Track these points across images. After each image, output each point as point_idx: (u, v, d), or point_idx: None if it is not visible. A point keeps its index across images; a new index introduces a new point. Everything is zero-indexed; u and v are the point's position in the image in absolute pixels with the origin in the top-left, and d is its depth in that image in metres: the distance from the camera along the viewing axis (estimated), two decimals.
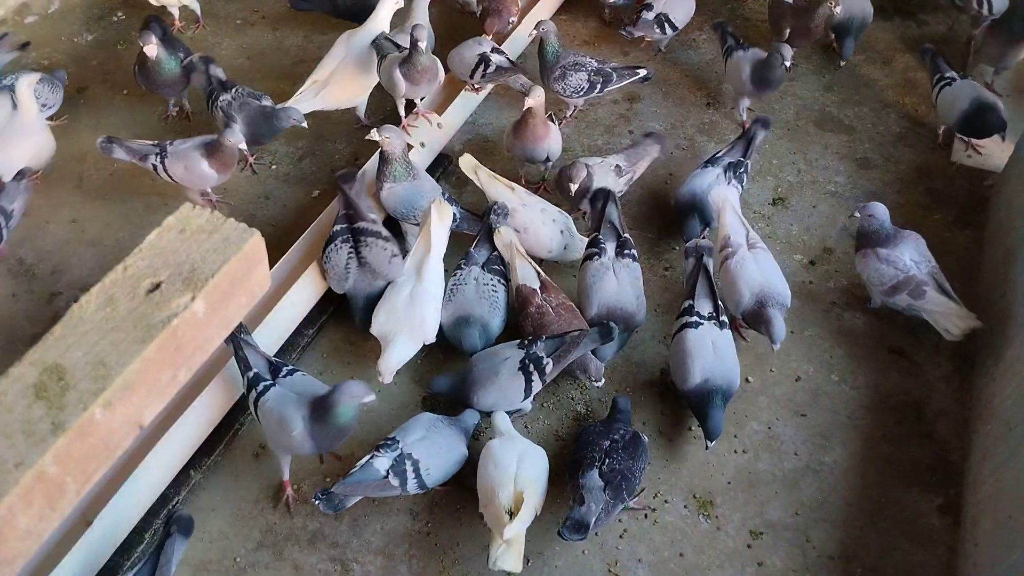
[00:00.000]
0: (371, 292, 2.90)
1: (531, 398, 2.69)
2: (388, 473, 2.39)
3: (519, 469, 2.40)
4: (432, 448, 2.45)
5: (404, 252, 2.98)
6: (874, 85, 3.99)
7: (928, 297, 2.83)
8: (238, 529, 2.54)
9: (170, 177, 3.20)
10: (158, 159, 3.17)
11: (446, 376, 2.75)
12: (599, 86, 3.57)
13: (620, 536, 2.54)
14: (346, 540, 2.52)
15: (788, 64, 3.49)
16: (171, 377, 1.05)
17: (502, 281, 2.95)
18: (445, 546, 2.51)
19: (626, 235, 2.99)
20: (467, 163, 3.25)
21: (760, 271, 2.83)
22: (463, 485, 2.59)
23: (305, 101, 3.43)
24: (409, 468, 2.40)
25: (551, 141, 3.30)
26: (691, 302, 2.77)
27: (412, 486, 2.42)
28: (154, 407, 1.05)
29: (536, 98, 3.18)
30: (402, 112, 3.42)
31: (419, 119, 3.47)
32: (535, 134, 3.25)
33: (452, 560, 2.48)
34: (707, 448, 2.63)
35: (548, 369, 2.60)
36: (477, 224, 3.10)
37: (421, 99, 3.48)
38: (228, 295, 1.10)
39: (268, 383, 2.45)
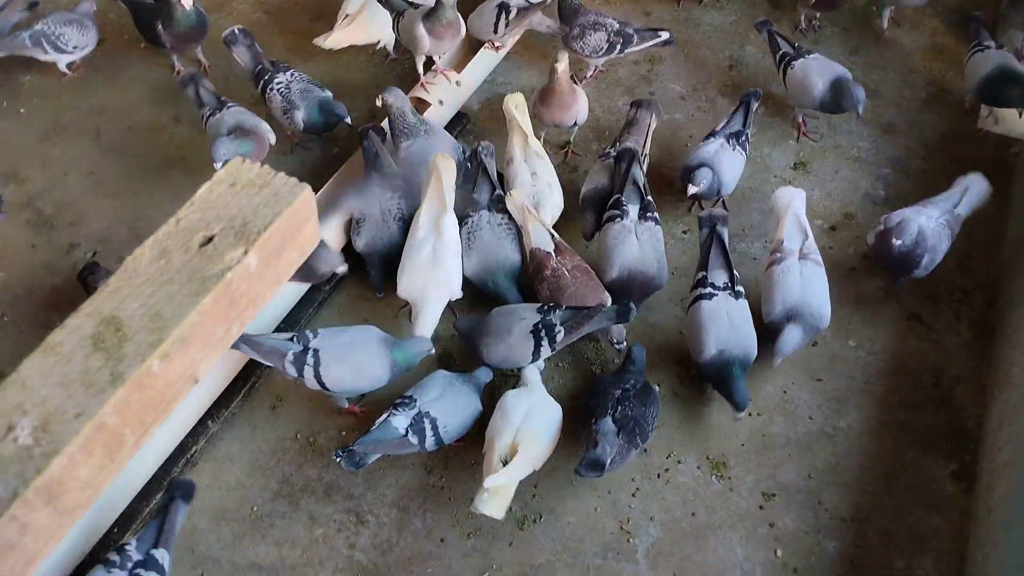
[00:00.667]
0: (387, 253, 2.90)
1: (540, 361, 2.69)
2: (407, 432, 2.41)
3: (524, 422, 2.42)
4: (448, 406, 2.46)
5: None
6: (901, 49, 3.90)
7: None
8: (255, 479, 2.57)
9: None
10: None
11: (468, 319, 2.76)
12: (618, 47, 3.50)
13: (632, 495, 2.55)
14: (361, 493, 2.55)
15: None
16: (225, 331, 1.05)
17: (512, 218, 2.97)
18: (459, 500, 2.53)
19: (649, 198, 2.97)
20: (516, 99, 3.20)
21: (801, 285, 2.71)
22: (477, 441, 2.60)
23: (338, 32, 3.47)
24: (427, 426, 2.41)
25: (579, 107, 3.27)
26: (704, 273, 2.74)
27: (430, 443, 2.44)
28: (209, 361, 1.04)
29: (564, 63, 3.13)
30: (421, 69, 3.39)
31: (438, 76, 3.43)
32: (563, 100, 3.21)
33: (466, 514, 2.51)
34: (736, 419, 2.64)
35: (559, 338, 2.58)
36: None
37: (440, 56, 3.45)
38: (280, 250, 1.09)
39: None
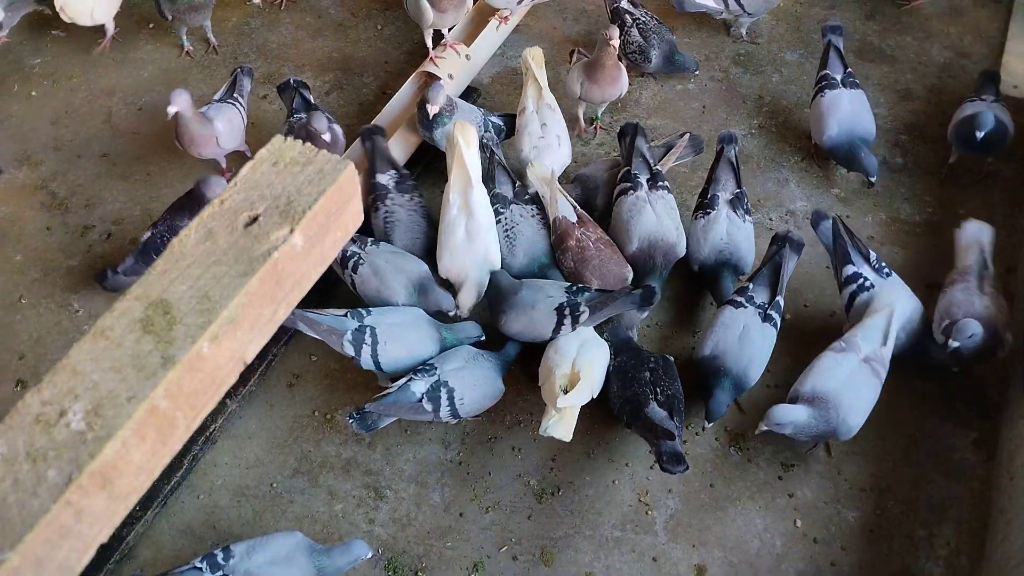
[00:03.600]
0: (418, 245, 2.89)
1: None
2: (423, 397, 2.41)
3: (579, 353, 2.48)
4: (469, 379, 2.46)
5: None
6: (918, 14, 3.84)
7: None
8: (274, 456, 2.58)
9: None
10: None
11: (505, 274, 2.72)
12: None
13: (651, 467, 2.55)
14: (379, 468, 2.56)
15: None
16: (272, 312, 1.04)
17: (540, 207, 2.94)
18: (477, 475, 2.54)
19: (658, 167, 2.94)
20: (534, 53, 3.18)
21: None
22: (495, 417, 2.61)
23: None
24: (444, 395, 2.42)
25: (624, 79, 3.23)
26: (751, 285, 2.66)
27: (445, 413, 2.44)
28: (257, 343, 1.03)
29: (616, 38, 3.08)
30: (429, 43, 3.36)
31: (447, 50, 3.40)
32: (611, 75, 3.16)
33: (484, 488, 2.51)
34: (703, 428, 2.59)
35: (582, 319, 2.55)
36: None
37: (449, 30, 3.42)
38: (324, 228, 1.07)
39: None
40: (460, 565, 2.40)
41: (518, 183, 2.99)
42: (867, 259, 2.69)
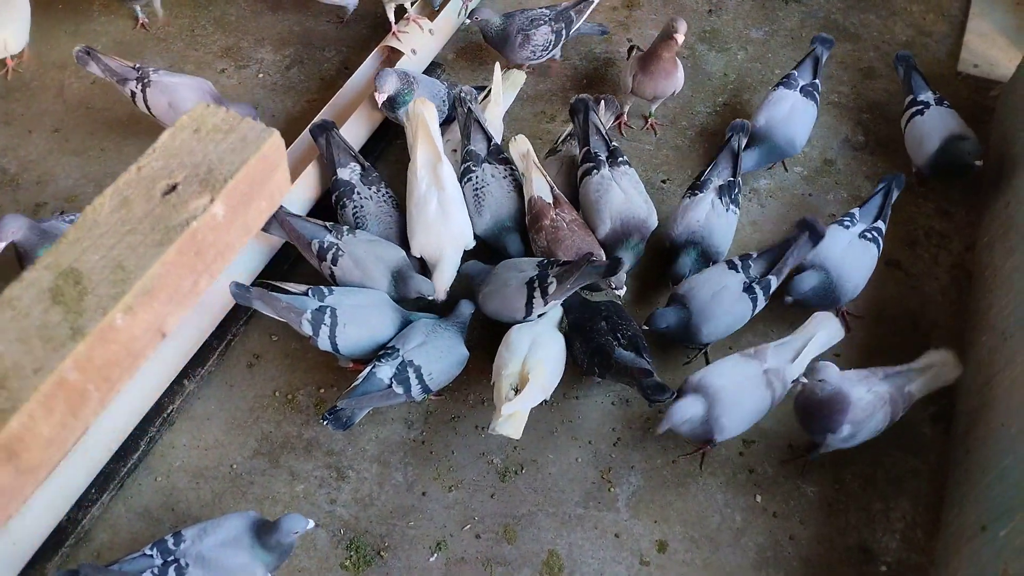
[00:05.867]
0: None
1: (533, 316, 2.61)
2: (391, 382, 2.39)
3: (530, 352, 2.43)
4: (433, 352, 2.44)
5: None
6: None
7: None
8: (233, 437, 2.55)
9: (148, 110, 3.03)
10: (138, 86, 3.02)
11: (478, 263, 2.72)
12: (564, 33, 3.34)
13: (614, 444, 2.56)
14: (341, 448, 2.53)
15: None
16: (192, 283, 1.01)
17: (513, 168, 2.91)
18: (440, 454, 2.53)
19: (615, 143, 2.92)
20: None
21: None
22: (458, 396, 2.59)
23: None
24: (412, 375, 2.40)
25: (679, 78, 3.15)
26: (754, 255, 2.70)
27: (416, 391, 2.42)
28: (176, 315, 1.00)
29: (683, 32, 2.98)
30: (392, 17, 3.29)
31: (410, 25, 3.35)
32: (666, 69, 3.08)
33: (447, 467, 2.51)
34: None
35: (550, 290, 2.52)
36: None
37: (412, 4, 3.36)
38: (248, 198, 1.04)
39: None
40: (423, 544, 2.39)
41: (493, 140, 2.94)
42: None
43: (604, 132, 2.93)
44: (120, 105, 3.38)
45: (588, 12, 3.41)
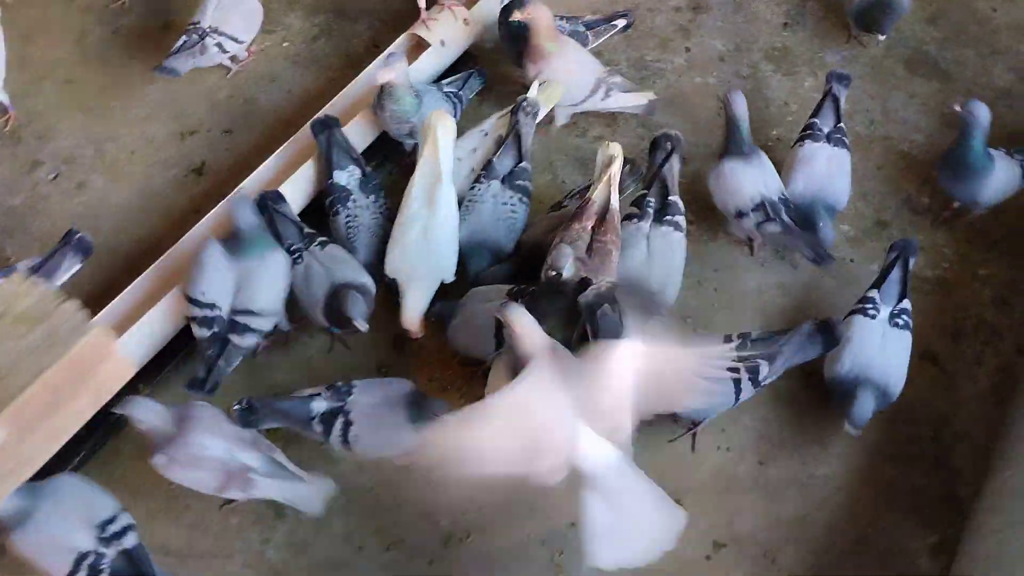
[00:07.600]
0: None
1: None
2: (316, 417, 2.25)
3: None
4: (374, 423, 2.26)
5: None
6: (988, 23, 3.36)
7: None
8: None
9: None
10: None
11: (447, 303, 2.52)
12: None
13: (572, 524, 2.36)
14: None
15: None
16: None
17: (523, 199, 2.66)
18: (386, 506, 2.38)
19: (674, 197, 2.58)
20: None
21: None
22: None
23: None
24: (338, 425, 2.25)
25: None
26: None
27: (335, 442, 2.28)
28: None
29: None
30: (422, 2, 3.02)
31: (443, 12, 3.06)
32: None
33: (391, 521, 2.36)
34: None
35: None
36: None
37: None
38: (52, 407, 0.85)
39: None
40: None
41: (524, 163, 2.69)
42: None
43: (671, 184, 2.60)
44: (137, 61, 3.25)
45: (608, 36, 3.11)
